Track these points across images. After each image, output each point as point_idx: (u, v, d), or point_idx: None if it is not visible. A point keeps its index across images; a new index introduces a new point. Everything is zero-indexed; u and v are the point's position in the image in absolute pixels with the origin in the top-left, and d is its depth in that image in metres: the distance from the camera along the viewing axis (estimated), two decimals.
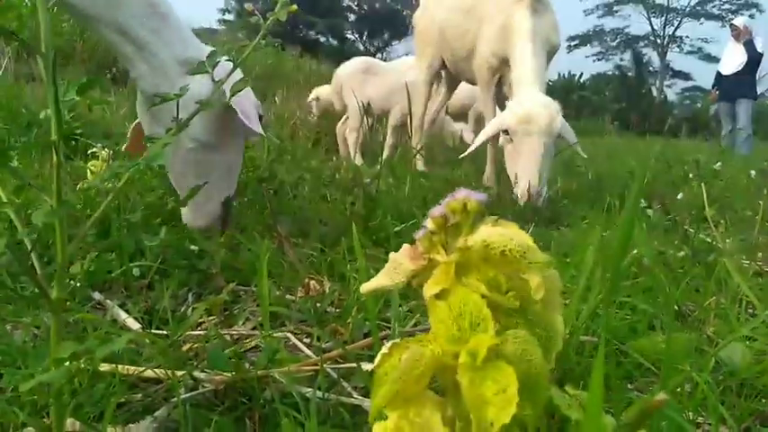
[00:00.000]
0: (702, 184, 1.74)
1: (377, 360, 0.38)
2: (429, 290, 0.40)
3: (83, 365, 0.72)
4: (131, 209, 1.33)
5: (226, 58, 0.63)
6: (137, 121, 1.40)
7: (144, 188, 1.61)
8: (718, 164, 2.33)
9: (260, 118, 1.32)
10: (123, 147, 1.50)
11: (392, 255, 0.44)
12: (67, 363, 0.54)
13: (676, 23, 35.15)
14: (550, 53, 2.71)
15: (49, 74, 0.54)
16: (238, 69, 0.66)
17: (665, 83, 34.31)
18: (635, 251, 1.15)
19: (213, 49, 0.68)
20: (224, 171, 1.33)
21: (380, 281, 0.45)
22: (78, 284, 1.04)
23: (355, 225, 0.89)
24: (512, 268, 0.40)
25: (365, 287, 0.45)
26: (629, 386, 0.77)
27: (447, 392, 0.39)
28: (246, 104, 1.24)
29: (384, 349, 0.38)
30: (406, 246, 0.44)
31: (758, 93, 7.97)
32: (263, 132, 1.27)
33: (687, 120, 17.65)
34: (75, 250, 0.78)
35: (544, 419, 0.46)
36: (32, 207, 0.72)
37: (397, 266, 0.44)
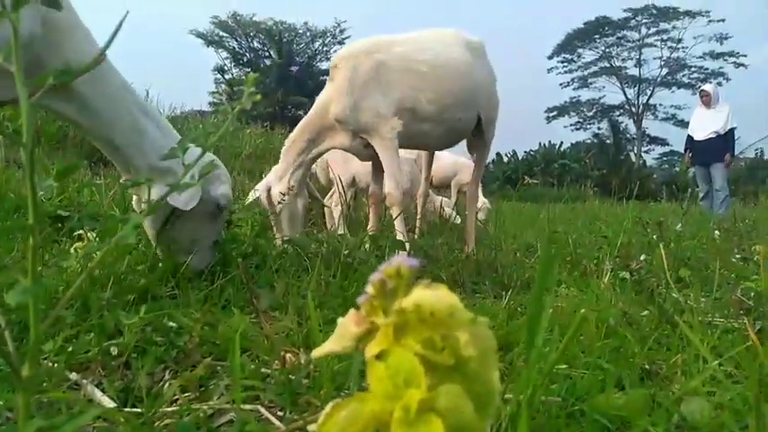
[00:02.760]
0: (666, 246, 1.80)
1: (320, 419, 0.41)
2: (369, 351, 0.43)
3: None
4: (111, 290, 1.36)
5: (194, 146, 0.69)
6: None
7: (126, 270, 1.64)
8: (679, 225, 2.40)
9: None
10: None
11: (340, 320, 0.48)
12: None
13: (649, 92, 36.79)
14: None
15: (27, 162, 0.59)
16: (208, 153, 0.72)
17: (643, 149, 35.45)
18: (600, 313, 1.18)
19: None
20: (205, 229, 1.77)
21: (330, 346, 0.48)
22: (55, 365, 1.06)
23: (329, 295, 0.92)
24: (446, 328, 0.44)
25: (315, 353, 0.49)
26: None
27: None
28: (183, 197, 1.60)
29: (327, 409, 0.41)
30: (351, 311, 0.47)
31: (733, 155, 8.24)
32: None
33: (666, 184, 18.08)
34: (52, 329, 0.81)
35: None
36: (7, 289, 0.75)
37: (345, 331, 0.47)
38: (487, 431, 0.45)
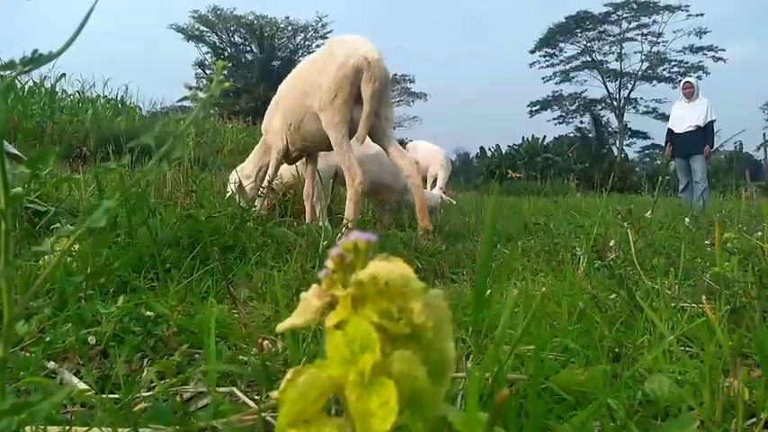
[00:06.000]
0: (637, 232, 1.84)
1: (282, 385, 0.43)
2: (328, 321, 0.45)
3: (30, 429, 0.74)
4: (86, 284, 1.36)
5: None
6: None
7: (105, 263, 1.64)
8: (648, 213, 2.46)
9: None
10: None
11: (302, 294, 0.50)
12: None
13: (630, 86, 37.12)
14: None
15: None
16: None
17: (625, 142, 35.80)
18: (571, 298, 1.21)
19: None
20: None
21: (294, 320, 0.50)
22: (32, 355, 1.06)
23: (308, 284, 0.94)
24: (402, 299, 0.46)
25: (279, 327, 0.51)
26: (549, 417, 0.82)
27: (346, 412, 0.44)
28: None
29: (288, 375, 0.43)
30: (314, 285, 0.49)
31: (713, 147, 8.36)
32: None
33: (648, 176, 18.32)
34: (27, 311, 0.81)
35: None
36: None
37: (307, 305, 0.49)
38: (442, 398, 0.47)
